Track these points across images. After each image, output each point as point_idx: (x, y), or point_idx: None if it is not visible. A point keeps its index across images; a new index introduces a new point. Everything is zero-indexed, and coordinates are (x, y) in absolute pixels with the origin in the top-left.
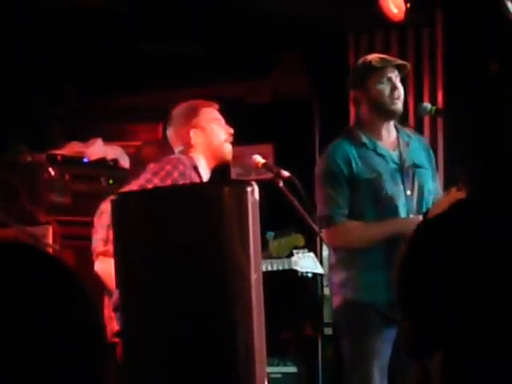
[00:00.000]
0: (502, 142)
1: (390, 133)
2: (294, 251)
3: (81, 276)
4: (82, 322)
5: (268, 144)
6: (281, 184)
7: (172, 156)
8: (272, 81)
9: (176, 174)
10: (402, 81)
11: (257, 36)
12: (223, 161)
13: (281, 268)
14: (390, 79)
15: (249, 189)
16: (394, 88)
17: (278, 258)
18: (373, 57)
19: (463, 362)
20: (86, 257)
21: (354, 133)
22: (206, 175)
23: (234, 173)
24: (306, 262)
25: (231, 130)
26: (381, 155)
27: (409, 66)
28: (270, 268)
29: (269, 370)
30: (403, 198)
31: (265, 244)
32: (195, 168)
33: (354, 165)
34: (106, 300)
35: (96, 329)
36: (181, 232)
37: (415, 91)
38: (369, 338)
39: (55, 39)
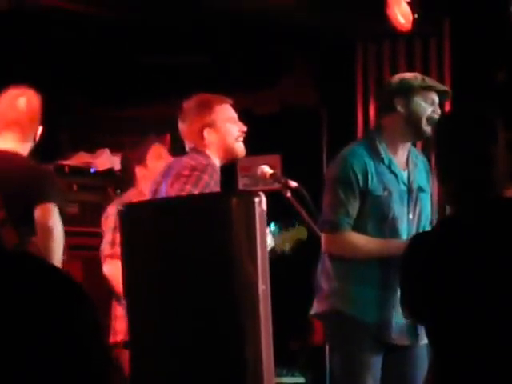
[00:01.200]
0: (492, 162)
1: (404, 152)
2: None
3: (87, 286)
4: (82, 329)
5: (276, 154)
6: (288, 194)
7: (200, 159)
8: (280, 91)
9: (207, 178)
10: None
11: (265, 46)
12: (234, 159)
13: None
14: (434, 102)
15: (256, 199)
16: (435, 112)
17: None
18: (421, 76)
19: (448, 360)
20: (93, 267)
21: (375, 145)
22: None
23: (242, 183)
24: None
25: (244, 128)
26: (394, 173)
27: (450, 92)
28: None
29: (277, 380)
30: (405, 221)
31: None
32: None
33: (370, 179)
34: (114, 302)
35: (97, 336)
36: (189, 242)
37: None
38: (359, 351)
39: (65, 50)
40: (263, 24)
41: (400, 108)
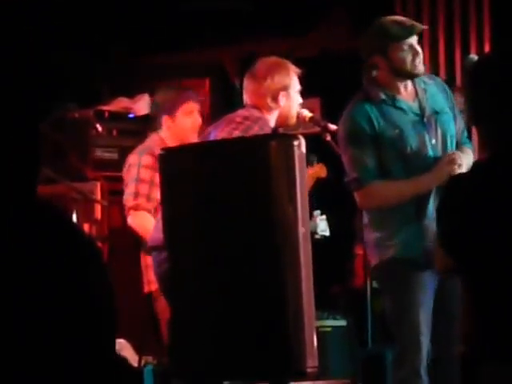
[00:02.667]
0: None
1: (406, 86)
2: (314, 213)
3: (126, 230)
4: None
5: (315, 98)
6: (328, 137)
7: (254, 112)
8: (320, 35)
9: (257, 128)
10: (449, 38)
11: None
12: (286, 127)
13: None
14: (411, 46)
15: (295, 142)
16: (416, 54)
17: None
18: (390, 23)
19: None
20: None
21: (372, 91)
22: None
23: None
24: (322, 225)
25: (301, 100)
26: (400, 108)
27: (425, 27)
28: None
29: (318, 323)
30: (429, 148)
31: None
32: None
33: (375, 123)
34: (142, 253)
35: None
36: (229, 187)
37: (462, 43)
38: (410, 292)
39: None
40: None
41: (381, 63)
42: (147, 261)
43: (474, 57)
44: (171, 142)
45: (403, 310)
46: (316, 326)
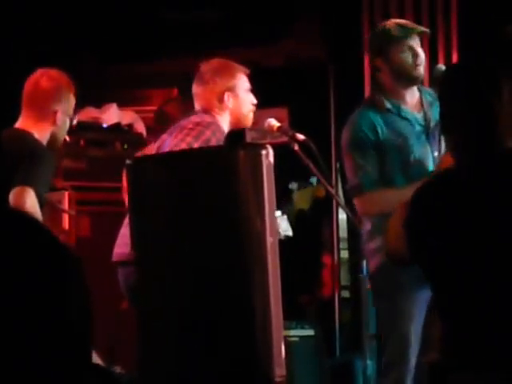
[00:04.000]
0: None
1: (413, 96)
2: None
3: (94, 239)
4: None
5: (283, 108)
6: (296, 147)
7: (205, 117)
8: (287, 44)
9: (209, 133)
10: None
11: (271, 1)
12: (242, 128)
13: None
14: (411, 47)
15: (263, 152)
16: (415, 55)
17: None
18: (392, 25)
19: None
20: (101, 221)
21: (377, 99)
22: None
23: (249, 137)
24: (284, 225)
25: (255, 101)
26: (406, 119)
27: (428, 31)
28: None
29: (286, 333)
30: (431, 160)
31: (290, 196)
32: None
33: (379, 131)
34: None
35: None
36: (196, 196)
37: (430, 52)
38: (405, 301)
39: (74, 5)
40: None
41: (382, 66)
42: None
43: (441, 66)
44: None
45: (394, 322)
46: (284, 335)
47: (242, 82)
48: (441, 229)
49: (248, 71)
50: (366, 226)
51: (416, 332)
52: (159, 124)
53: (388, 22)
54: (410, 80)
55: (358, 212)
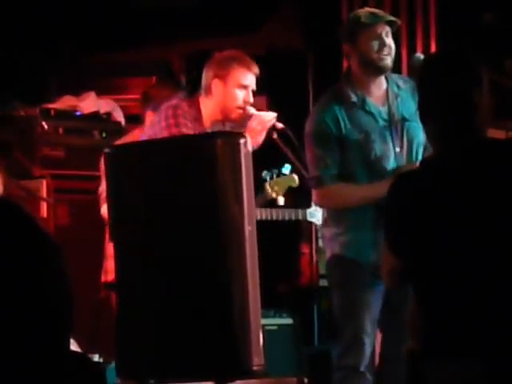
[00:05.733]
0: (474, 105)
1: (379, 87)
2: (313, 204)
3: (73, 227)
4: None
5: (262, 96)
6: (275, 136)
7: (173, 102)
8: (266, 33)
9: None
10: (395, 35)
11: None
12: (227, 121)
13: (294, 218)
14: (379, 36)
15: (242, 140)
16: (382, 45)
17: (284, 207)
18: (363, 12)
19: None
20: (79, 209)
21: (343, 91)
22: (208, 123)
23: (228, 125)
24: (319, 215)
25: (250, 100)
26: (369, 113)
27: (399, 22)
28: (283, 217)
29: (264, 321)
30: (393, 156)
31: (261, 185)
32: (198, 112)
33: (342, 125)
34: (107, 241)
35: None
36: (174, 184)
37: (408, 41)
38: (358, 291)
39: None
40: None
41: (352, 52)
42: (110, 250)
43: (420, 55)
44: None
45: (348, 309)
46: (262, 324)
47: (237, 76)
48: (419, 217)
49: (257, 70)
50: (324, 213)
51: (371, 321)
52: (144, 104)
53: (360, 10)
54: (375, 69)
55: (315, 202)
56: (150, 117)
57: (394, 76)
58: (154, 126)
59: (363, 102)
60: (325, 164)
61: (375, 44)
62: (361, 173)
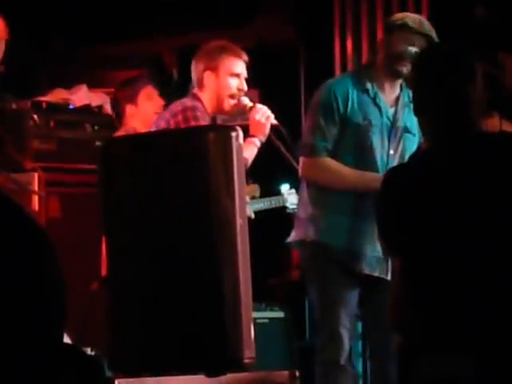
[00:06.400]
0: (467, 98)
1: (393, 90)
2: (282, 187)
3: (64, 221)
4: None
5: (254, 89)
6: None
7: (187, 102)
8: (257, 27)
9: (193, 122)
10: None
11: None
12: (222, 112)
13: (275, 205)
14: (411, 43)
15: (233, 134)
16: (410, 53)
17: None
18: (413, 16)
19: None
20: (70, 203)
21: (361, 77)
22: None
23: (220, 118)
24: (293, 199)
25: (244, 88)
26: (378, 106)
27: (435, 39)
28: (264, 206)
29: (256, 315)
30: (385, 156)
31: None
32: (208, 114)
33: (350, 106)
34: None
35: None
36: (166, 178)
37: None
38: (332, 285)
39: None
40: None
41: (382, 45)
42: None
43: (412, 48)
44: (137, 131)
45: (323, 304)
46: (253, 317)
47: (228, 65)
48: (415, 211)
49: (246, 57)
50: (302, 192)
51: (349, 313)
52: (114, 110)
53: (412, 14)
54: (392, 71)
55: (300, 171)
56: (131, 110)
57: (407, 89)
58: (168, 120)
59: (375, 94)
60: (322, 134)
61: (405, 48)
62: (350, 158)
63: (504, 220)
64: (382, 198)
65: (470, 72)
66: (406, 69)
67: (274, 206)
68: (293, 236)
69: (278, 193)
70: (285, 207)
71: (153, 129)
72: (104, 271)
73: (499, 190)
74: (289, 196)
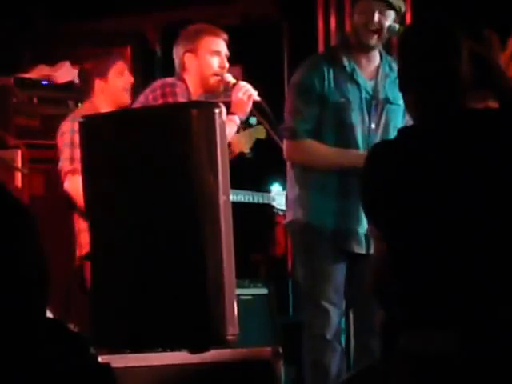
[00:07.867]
0: (454, 75)
1: (371, 62)
2: (273, 187)
3: (48, 198)
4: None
5: (237, 66)
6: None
7: (169, 79)
8: (241, 3)
9: (171, 99)
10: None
11: None
12: (208, 91)
13: (260, 201)
14: (372, 12)
15: (217, 110)
16: (371, 21)
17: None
18: None
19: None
20: (54, 180)
21: (338, 54)
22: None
23: (202, 96)
24: (281, 200)
25: (226, 65)
26: (356, 82)
27: (404, 8)
28: (249, 200)
29: (239, 291)
30: (366, 131)
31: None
32: (189, 93)
33: (326, 85)
34: (76, 216)
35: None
36: (149, 154)
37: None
38: (319, 262)
39: None
40: None
41: (351, 23)
42: (80, 225)
43: (395, 25)
44: (104, 107)
45: (309, 280)
46: (237, 294)
47: (207, 44)
48: (401, 187)
49: (225, 36)
50: (289, 172)
51: (336, 289)
52: (80, 82)
53: None
54: (358, 44)
55: (284, 154)
56: (99, 85)
57: (390, 58)
58: (147, 96)
59: (353, 70)
60: (302, 117)
61: (362, 18)
62: (330, 136)
63: (492, 194)
64: (368, 173)
65: (456, 48)
66: (373, 40)
67: (257, 202)
68: (286, 217)
69: (268, 191)
70: (271, 206)
71: (133, 104)
72: (79, 251)
73: (488, 165)
74: (277, 196)
